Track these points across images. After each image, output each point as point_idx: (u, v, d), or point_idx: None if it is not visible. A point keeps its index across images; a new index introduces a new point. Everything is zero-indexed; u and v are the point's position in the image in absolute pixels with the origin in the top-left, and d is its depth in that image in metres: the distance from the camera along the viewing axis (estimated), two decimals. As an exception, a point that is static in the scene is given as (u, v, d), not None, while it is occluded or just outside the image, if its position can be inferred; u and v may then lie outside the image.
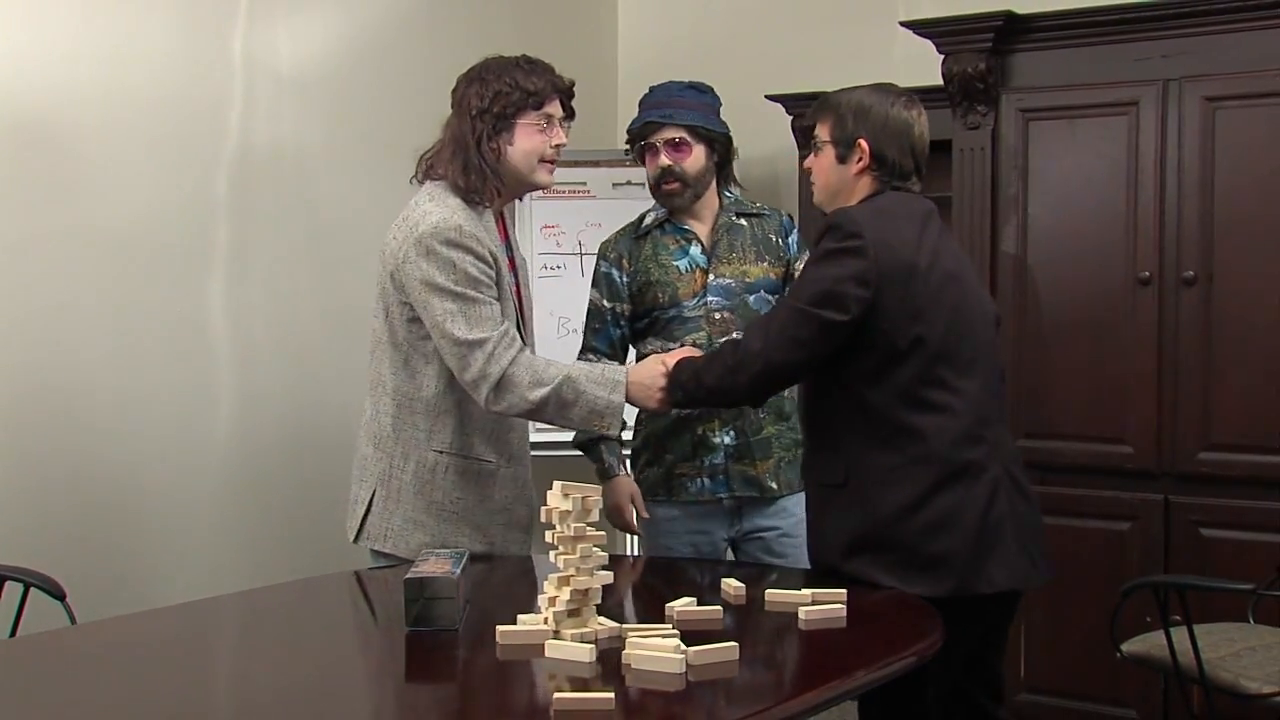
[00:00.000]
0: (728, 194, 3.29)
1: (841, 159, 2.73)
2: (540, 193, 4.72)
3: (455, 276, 2.71)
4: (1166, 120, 3.87)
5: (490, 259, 2.77)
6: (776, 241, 3.25)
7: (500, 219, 2.95)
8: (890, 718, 2.66)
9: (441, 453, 2.82)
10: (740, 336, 2.83)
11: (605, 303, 3.29)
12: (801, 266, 3.13)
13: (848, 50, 4.91)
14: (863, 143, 2.70)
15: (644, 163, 3.23)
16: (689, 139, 3.16)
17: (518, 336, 2.80)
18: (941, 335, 2.60)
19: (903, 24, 4.34)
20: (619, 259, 3.27)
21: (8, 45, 3.28)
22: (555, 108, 2.88)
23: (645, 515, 3.21)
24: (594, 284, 3.31)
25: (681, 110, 3.17)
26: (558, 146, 2.88)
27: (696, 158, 3.18)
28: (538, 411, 2.76)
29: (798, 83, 4.70)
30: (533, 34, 4.92)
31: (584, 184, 4.85)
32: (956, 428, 2.60)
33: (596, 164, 4.88)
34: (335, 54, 4.17)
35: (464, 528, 2.83)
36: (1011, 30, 4.05)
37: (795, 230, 3.32)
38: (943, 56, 4.13)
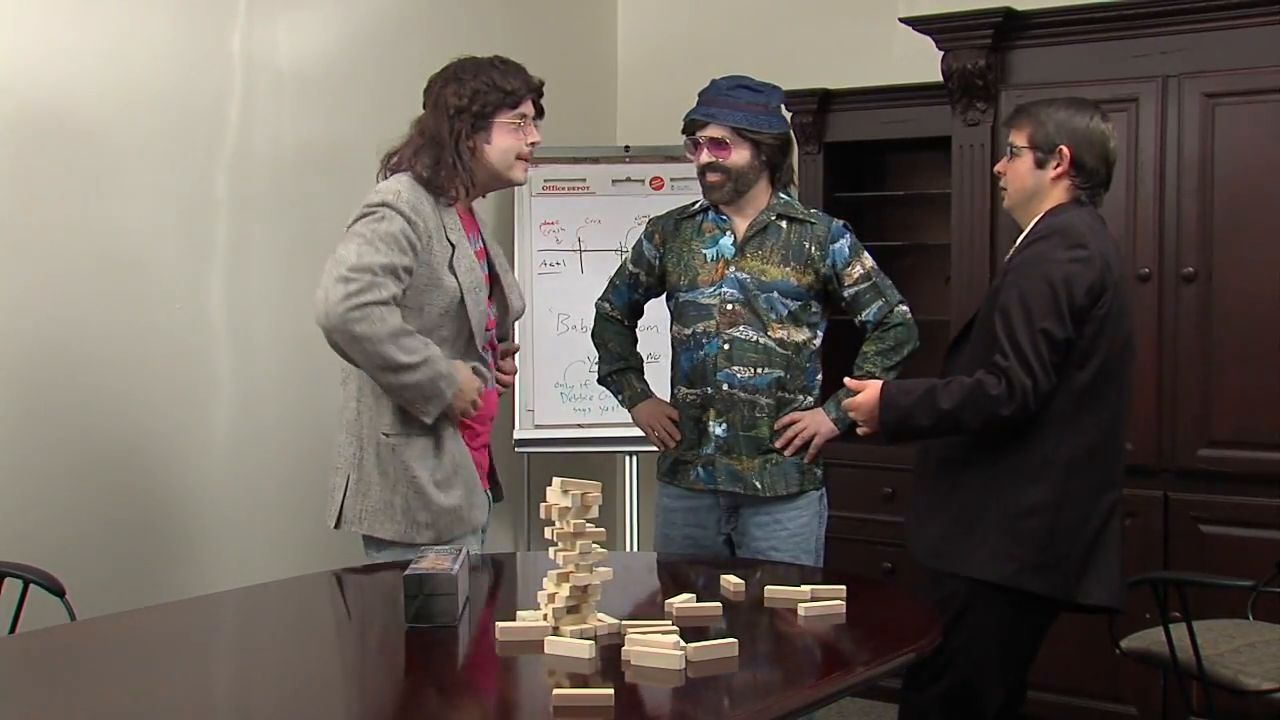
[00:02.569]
0: (781, 196, 3.30)
1: (1040, 164, 2.83)
2: (540, 189, 4.80)
3: (375, 228, 2.75)
4: (1166, 116, 3.88)
5: (424, 229, 2.80)
6: (810, 250, 3.24)
7: (470, 213, 3.00)
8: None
9: (388, 435, 2.83)
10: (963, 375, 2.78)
11: (630, 266, 3.44)
12: (852, 272, 3.25)
13: (848, 46, 4.92)
14: (1064, 149, 2.80)
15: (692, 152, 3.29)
16: (731, 138, 3.20)
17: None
18: (1114, 351, 2.74)
19: (902, 20, 4.34)
20: (653, 233, 3.39)
21: (6, 41, 3.27)
22: (529, 107, 2.96)
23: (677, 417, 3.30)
24: (632, 247, 3.48)
25: (726, 110, 3.21)
26: (533, 144, 2.97)
27: (739, 156, 3.21)
28: (377, 355, 2.70)
29: (798, 79, 4.69)
30: (532, 31, 4.92)
31: (583, 180, 4.85)
32: (1103, 440, 2.74)
33: (596, 160, 4.88)
34: (334, 50, 4.17)
35: (429, 502, 2.82)
36: (1011, 27, 4.05)
37: (847, 235, 3.29)
38: (942, 53, 4.14)
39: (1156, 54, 3.89)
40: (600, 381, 3.51)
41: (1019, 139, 2.86)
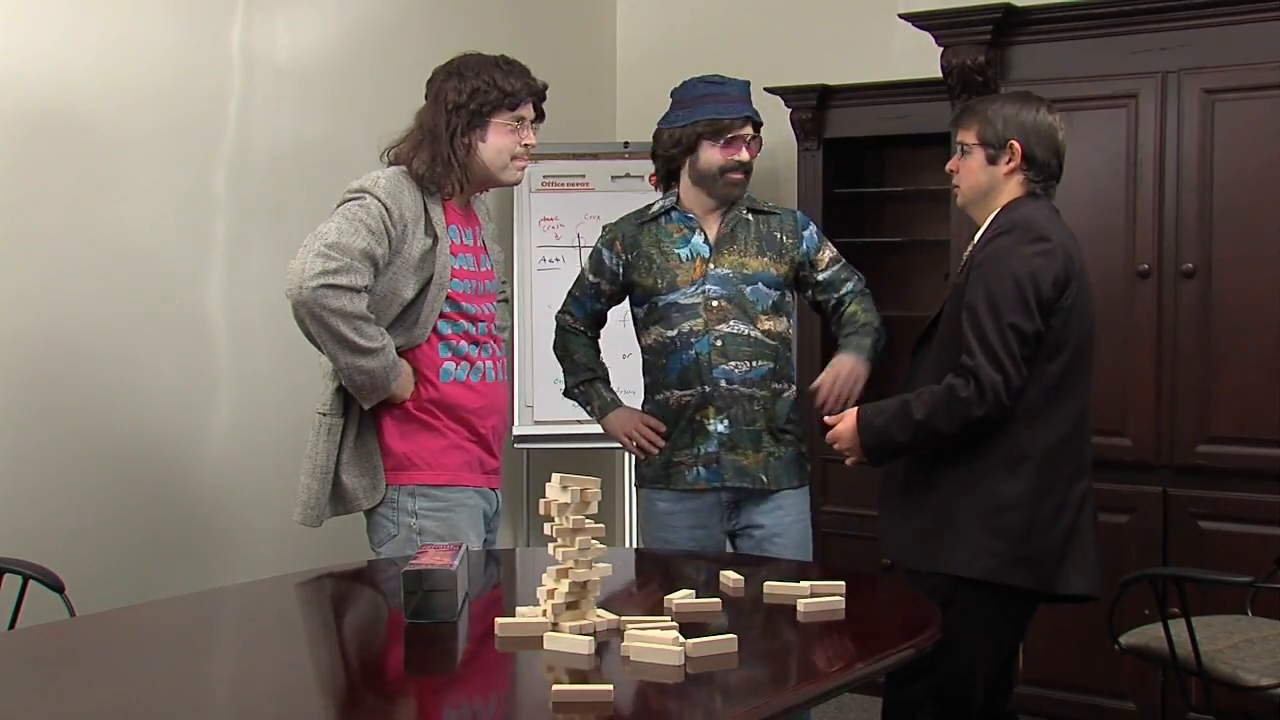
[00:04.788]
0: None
1: (992, 160, 2.84)
2: (539, 185, 4.80)
3: (356, 212, 2.78)
4: (1165, 113, 3.87)
5: (399, 216, 2.81)
6: (782, 240, 3.29)
7: (468, 209, 3.02)
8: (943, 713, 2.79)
9: (325, 414, 2.92)
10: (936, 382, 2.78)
11: (590, 276, 3.40)
12: (823, 257, 3.30)
13: (847, 42, 4.91)
14: (1015, 144, 2.81)
15: (693, 149, 3.24)
16: (758, 136, 3.27)
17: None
18: (1080, 341, 2.76)
19: (902, 16, 4.34)
20: (612, 241, 3.35)
21: (4, 37, 3.27)
22: (528, 110, 2.97)
23: (661, 428, 3.27)
24: (589, 257, 3.42)
25: (756, 109, 3.28)
26: (527, 146, 2.98)
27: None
28: (340, 336, 2.74)
29: (797, 75, 4.70)
30: (531, 27, 4.92)
31: (582, 176, 4.85)
32: (1073, 430, 2.76)
33: (595, 157, 4.89)
34: (333, 46, 4.17)
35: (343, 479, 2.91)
36: (1010, 22, 4.05)
37: (811, 223, 3.37)
38: (942, 49, 4.13)
39: (1156, 50, 3.88)
40: (567, 394, 3.46)
41: (968, 137, 2.87)
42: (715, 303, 3.21)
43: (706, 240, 3.26)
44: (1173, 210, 3.87)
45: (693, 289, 3.23)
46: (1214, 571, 3.36)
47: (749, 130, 3.24)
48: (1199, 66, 3.83)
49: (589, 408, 3.41)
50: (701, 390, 3.21)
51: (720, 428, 3.20)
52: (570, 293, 3.44)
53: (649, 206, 3.36)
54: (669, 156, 3.29)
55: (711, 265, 3.24)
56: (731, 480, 3.21)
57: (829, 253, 3.35)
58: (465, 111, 2.90)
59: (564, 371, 3.45)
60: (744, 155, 3.23)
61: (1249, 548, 3.69)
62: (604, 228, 3.42)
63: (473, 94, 2.89)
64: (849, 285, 3.34)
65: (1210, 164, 3.82)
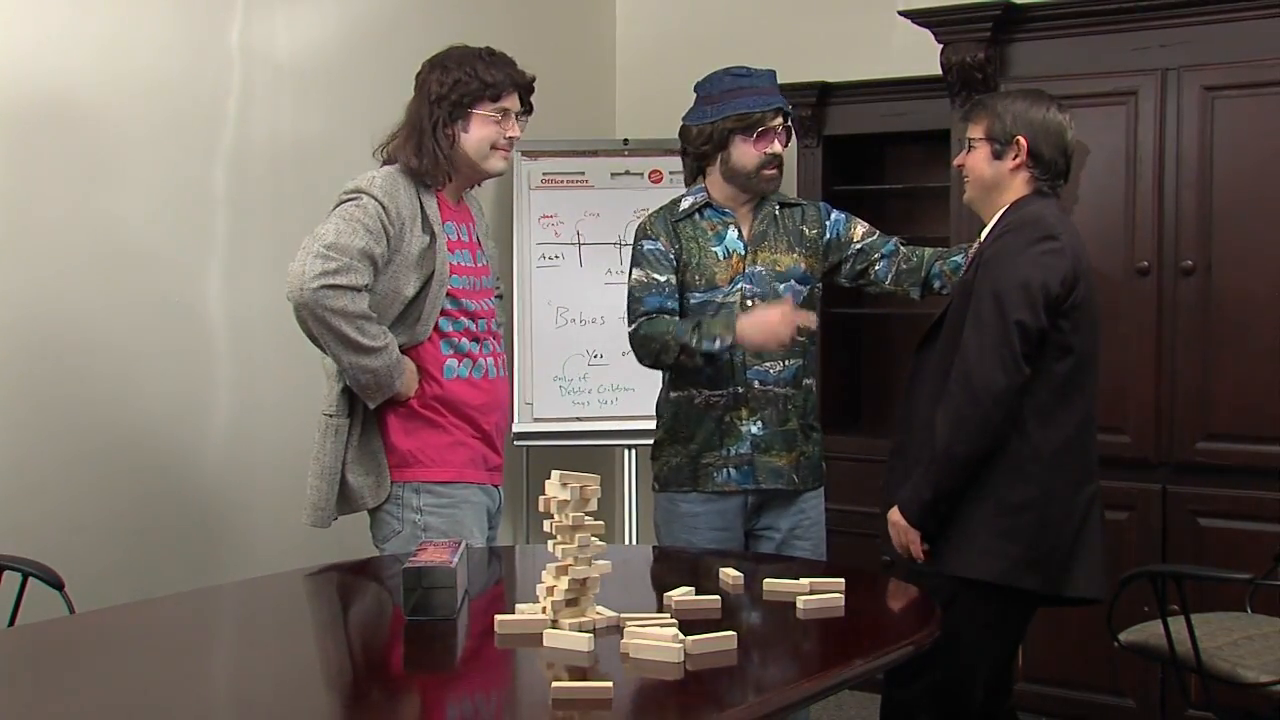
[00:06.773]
0: None
1: (997, 155, 2.84)
2: (538, 183, 4.79)
3: (353, 213, 2.78)
4: (1165, 110, 3.87)
5: (396, 215, 2.82)
6: (809, 233, 3.26)
7: (458, 202, 3.03)
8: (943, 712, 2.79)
9: (331, 415, 2.90)
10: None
11: (658, 276, 3.16)
12: (855, 230, 3.28)
13: (846, 39, 4.91)
14: (1021, 140, 2.80)
15: (724, 145, 3.15)
16: (788, 125, 3.22)
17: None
18: (1087, 342, 2.76)
19: (901, 13, 4.34)
20: (658, 236, 3.20)
21: (4, 34, 3.27)
22: (513, 101, 2.96)
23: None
24: (637, 263, 3.20)
25: (785, 99, 3.22)
26: (510, 139, 2.96)
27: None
28: (344, 336, 2.74)
29: (796, 72, 4.68)
30: (530, 25, 4.92)
31: (582, 174, 4.85)
32: (1079, 432, 2.75)
33: (595, 154, 4.88)
34: (333, 43, 4.16)
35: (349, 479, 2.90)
36: (1010, 20, 4.04)
37: (835, 211, 3.33)
38: (941, 46, 4.13)
39: (1155, 47, 3.88)
40: (684, 351, 3.04)
41: (975, 132, 2.87)
42: (750, 301, 3.15)
43: (741, 236, 3.21)
44: (1172, 207, 3.87)
45: (729, 287, 3.17)
46: (1213, 569, 3.37)
47: (780, 121, 3.17)
48: (1199, 63, 3.83)
49: (714, 339, 3.01)
50: (734, 391, 3.15)
51: (754, 429, 3.16)
52: (641, 309, 3.14)
53: (676, 203, 3.26)
54: (700, 154, 3.20)
55: (747, 263, 3.19)
56: (765, 482, 3.17)
57: (861, 227, 3.29)
58: (447, 103, 2.89)
59: (668, 347, 3.07)
60: (777, 147, 3.16)
61: (1248, 545, 3.69)
62: (641, 228, 3.24)
63: (454, 85, 2.89)
64: (890, 242, 3.27)
65: (1210, 161, 3.82)
